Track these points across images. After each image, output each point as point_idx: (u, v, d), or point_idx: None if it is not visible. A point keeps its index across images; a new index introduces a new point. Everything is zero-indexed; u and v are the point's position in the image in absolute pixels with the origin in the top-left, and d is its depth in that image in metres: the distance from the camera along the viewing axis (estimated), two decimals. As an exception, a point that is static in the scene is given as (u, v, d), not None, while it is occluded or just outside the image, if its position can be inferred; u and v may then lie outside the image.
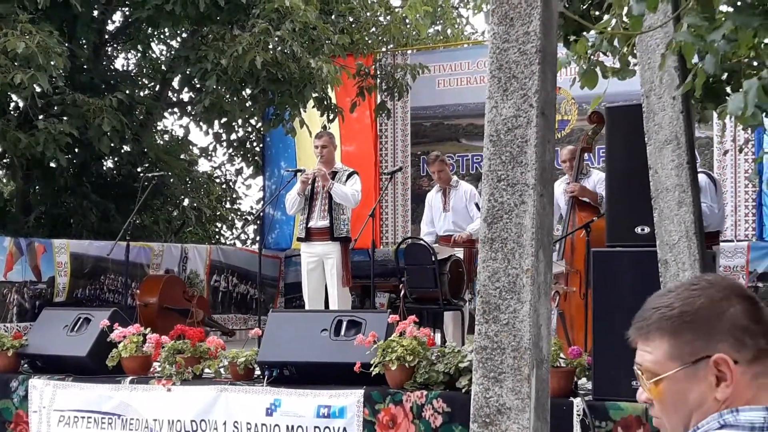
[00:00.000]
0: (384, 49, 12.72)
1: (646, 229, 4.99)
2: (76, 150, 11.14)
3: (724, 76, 4.53)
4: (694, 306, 1.58)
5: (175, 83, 12.71)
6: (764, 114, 3.27)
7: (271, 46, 9.89)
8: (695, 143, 9.98)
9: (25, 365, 7.12)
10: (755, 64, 4.30)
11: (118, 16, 12.79)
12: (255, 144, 14.51)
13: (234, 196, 16.82)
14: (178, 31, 12.76)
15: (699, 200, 4.48)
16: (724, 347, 1.55)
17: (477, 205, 8.02)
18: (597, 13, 5.61)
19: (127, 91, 11.24)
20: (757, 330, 1.57)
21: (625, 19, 4.05)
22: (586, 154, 7.97)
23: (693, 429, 1.55)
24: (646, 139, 4.49)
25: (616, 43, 4.38)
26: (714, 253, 5.85)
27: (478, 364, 3.18)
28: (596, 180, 7.77)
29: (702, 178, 6.40)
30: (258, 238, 10.84)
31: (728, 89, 4.51)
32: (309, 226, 8.13)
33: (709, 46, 3.02)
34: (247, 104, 11.47)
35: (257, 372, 6.27)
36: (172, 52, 13.16)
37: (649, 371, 1.60)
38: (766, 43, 3.77)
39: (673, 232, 4.29)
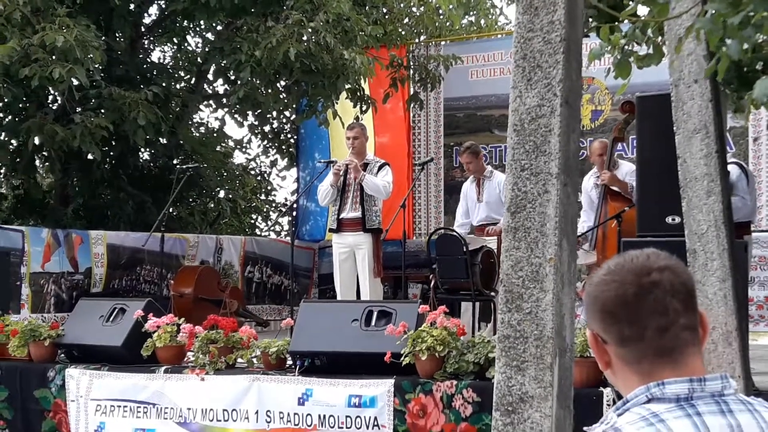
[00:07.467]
0: (417, 40, 12.72)
1: (677, 219, 4.96)
2: (113, 143, 11.26)
3: (759, 65, 4.47)
4: None
5: (210, 75, 12.79)
6: None
7: (304, 38, 9.92)
8: (730, 133, 9.87)
9: (62, 355, 7.22)
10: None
11: (154, 9, 12.90)
12: (289, 135, 14.58)
13: (268, 187, 16.93)
14: (213, 24, 12.84)
15: (728, 189, 4.44)
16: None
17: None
18: (631, 3, 5.57)
19: (163, 84, 11.33)
20: None
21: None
22: (619, 144, 7.94)
23: (622, 401, 1.59)
24: (675, 128, 4.46)
25: (649, 33, 4.35)
26: (746, 243, 5.79)
27: (501, 352, 3.19)
28: (626, 171, 7.75)
29: (734, 170, 6.34)
30: (292, 230, 10.87)
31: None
32: (341, 217, 8.16)
33: (731, 29, 2.98)
34: (281, 96, 11.52)
35: (289, 362, 6.31)
36: (208, 45, 13.25)
37: None
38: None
39: (702, 222, 4.26)
